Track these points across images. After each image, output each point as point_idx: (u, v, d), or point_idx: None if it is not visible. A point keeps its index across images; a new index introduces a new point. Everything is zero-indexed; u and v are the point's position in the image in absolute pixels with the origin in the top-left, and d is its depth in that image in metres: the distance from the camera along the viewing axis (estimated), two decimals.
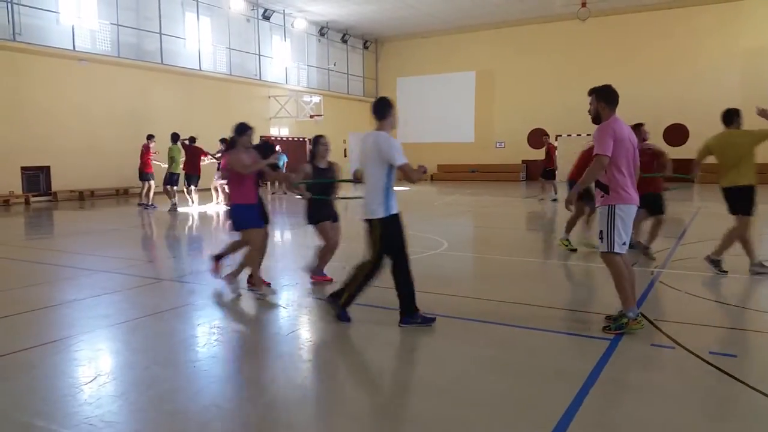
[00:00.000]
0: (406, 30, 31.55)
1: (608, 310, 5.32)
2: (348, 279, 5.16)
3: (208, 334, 4.93)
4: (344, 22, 29.84)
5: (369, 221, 5.00)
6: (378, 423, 3.28)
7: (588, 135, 28.32)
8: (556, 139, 28.78)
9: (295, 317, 5.51)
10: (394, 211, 4.98)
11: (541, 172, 18.76)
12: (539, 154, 29.93)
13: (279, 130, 28.01)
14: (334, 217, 6.79)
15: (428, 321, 4.99)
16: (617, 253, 4.72)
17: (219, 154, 16.58)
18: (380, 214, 4.94)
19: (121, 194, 20.68)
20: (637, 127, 7.64)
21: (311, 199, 6.56)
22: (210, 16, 24.11)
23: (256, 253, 6.16)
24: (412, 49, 33.07)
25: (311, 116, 27.87)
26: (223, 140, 16.89)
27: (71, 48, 18.64)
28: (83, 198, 19.28)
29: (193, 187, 15.78)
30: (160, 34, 21.47)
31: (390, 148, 4.83)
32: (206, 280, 7.00)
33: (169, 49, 21.94)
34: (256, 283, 6.18)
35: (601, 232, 4.78)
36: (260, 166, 6.00)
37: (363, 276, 5.07)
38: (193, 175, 15.75)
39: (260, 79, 26.39)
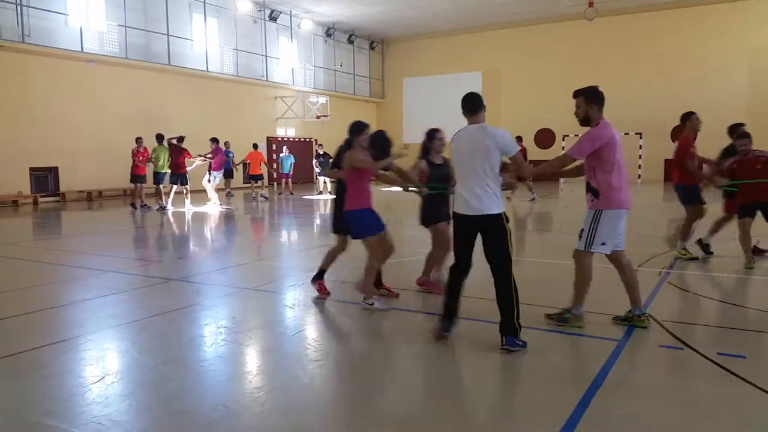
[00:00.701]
0: (413, 30, 31.54)
1: (615, 310, 5.30)
2: (507, 300, 4.47)
3: (215, 334, 4.95)
4: (351, 22, 29.87)
5: (486, 217, 4.44)
6: (383, 423, 3.28)
7: None
8: (563, 139, 28.70)
9: (302, 317, 5.52)
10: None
11: None
12: (547, 155, 29.92)
13: (285, 131, 28.08)
14: (447, 218, 6.07)
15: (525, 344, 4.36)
16: (591, 253, 4.83)
17: (210, 155, 16.64)
18: (501, 208, 4.47)
19: (129, 195, 20.76)
20: (735, 129, 7.67)
21: (427, 199, 6.04)
22: (217, 17, 24.20)
23: (380, 259, 5.67)
24: (419, 49, 33.05)
25: (318, 117, 27.92)
26: (214, 140, 16.96)
27: (79, 49, 18.75)
28: (91, 199, 19.39)
29: (185, 187, 15.73)
30: (168, 35, 21.56)
31: (506, 136, 4.64)
32: (213, 280, 7.03)
33: (176, 51, 22.03)
34: (367, 291, 5.60)
35: (582, 230, 4.86)
36: (385, 164, 5.60)
37: (514, 286, 4.52)
38: (175, 174, 15.75)
39: (267, 80, 26.47)
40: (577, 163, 4.82)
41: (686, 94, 26.36)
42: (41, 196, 18.26)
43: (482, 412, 3.38)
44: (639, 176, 26.97)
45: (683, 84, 26.66)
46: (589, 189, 4.79)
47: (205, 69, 23.24)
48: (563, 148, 28.71)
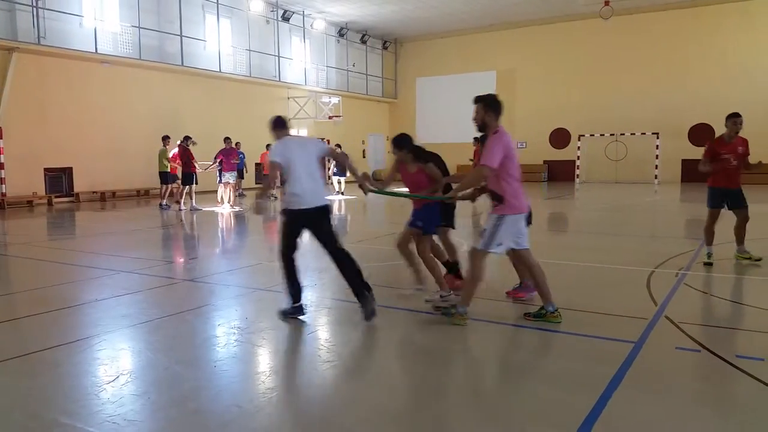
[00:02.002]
0: (426, 30, 31.49)
1: (632, 312, 5.25)
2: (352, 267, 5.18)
3: (227, 334, 4.96)
4: (363, 22, 29.88)
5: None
6: (398, 424, 3.26)
7: (611, 135, 28.14)
8: (579, 139, 28.52)
9: (314, 318, 5.51)
10: None
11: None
12: (561, 155, 29.77)
13: (298, 131, 28.12)
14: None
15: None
16: (487, 253, 5.01)
17: (216, 163, 16.61)
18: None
19: (142, 195, 20.93)
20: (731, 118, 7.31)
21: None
22: (230, 18, 24.31)
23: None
24: (432, 49, 32.98)
25: (330, 117, 27.96)
26: (227, 139, 16.98)
27: (94, 51, 18.91)
28: (105, 199, 19.55)
29: (189, 186, 15.77)
30: (181, 36, 21.68)
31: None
32: (225, 281, 7.04)
33: (189, 51, 22.16)
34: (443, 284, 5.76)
35: (484, 230, 5.02)
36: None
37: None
38: (185, 173, 15.82)
39: (279, 81, 26.54)
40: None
41: (705, 94, 26.10)
42: (55, 197, 18.44)
43: (496, 416, 3.34)
44: (656, 177, 26.73)
45: (702, 84, 26.36)
46: (492, 195, 4.99)
47: (218, 69, 23.34)
48: (579, 148, 28.56)
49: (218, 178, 16.62)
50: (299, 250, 5.27)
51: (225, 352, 4.49)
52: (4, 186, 17.27)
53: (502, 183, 4.86)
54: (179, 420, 3.31)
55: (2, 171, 17.18)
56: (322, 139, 28.60)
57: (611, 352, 4.32)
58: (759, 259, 7.43)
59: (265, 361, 4.42)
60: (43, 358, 4.35)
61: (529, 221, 5.34)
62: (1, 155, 17.10)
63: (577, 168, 28.74)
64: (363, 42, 31.89)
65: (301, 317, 5.24)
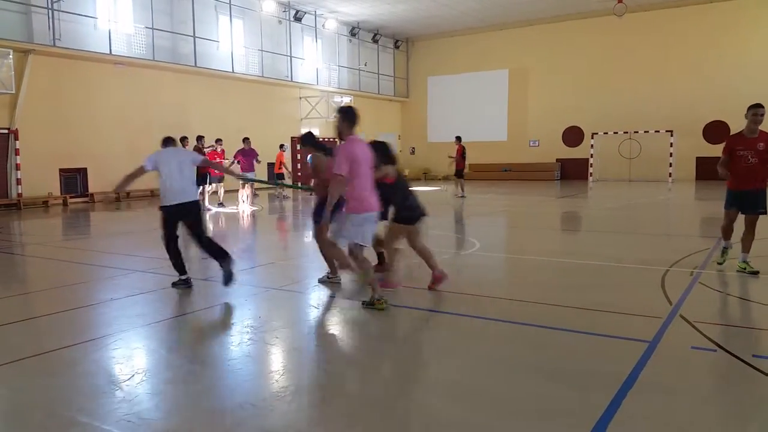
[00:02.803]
0: (438, 29, 31.42)
1: (646, 311, 5.21)
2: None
3: (241, 333, 4.98)
4: (375, 21, 29.88)
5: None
6: (408, 425, 3.26)
7: (625, 133, 27.92)
8: (592, 137, 28.33)
9: (327, 317, 5.53)
10: None
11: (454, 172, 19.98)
12: (575, 153, 29.59)
13: (310, 130, 28.19)
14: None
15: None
16: (339, 249, 5.70)
17: (234, 161, 16.62)
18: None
19: (156, 196, 21.06)
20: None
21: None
22: (242, 18, 24.41)
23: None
24: (444, 47, 32.90)
25: None
26: (245, 140, 17.01)
27: (108, 52, 19.08)
28: (119, 199, 19.72)
29: (202, 186, 15.77)
30: (194, 37, 21.81)
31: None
32: (239, 280, 7.07)
33: (202, 52, 22.28)
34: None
35: (338, 229, 5.59)
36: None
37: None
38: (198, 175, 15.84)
39: (291, 81, 26.61)
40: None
41: (720, 91, 25.80)
42: (70, 197, 18.63)
43: (511, 414, 3.33)
44: (670, 175, 26.49)
45: (717, 81, 26.03)
46: (344, 196, 5.50)
47: (231, 70, 23.45)
48: (592, 146, 28.37)
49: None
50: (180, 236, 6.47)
51: (238, 351, 4.51)
52: (20, 186, 17.48)
53: (348, 186, 5.39)
54: (194, 418, 3.33)
55: (18, 172, 17.40)
56: (334, 139, 28.66)
57: (625, 351, 4.29)
58: (756, 272, 6.69)
59: (278, 360, 4.44)
60: (60, 356, 4.41)
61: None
62: (18, 156, 17.31)
63: (591, 166, 28.56)
64: (375, 41, 31.89)
65: (188, 288, 6.47)
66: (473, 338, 4.76)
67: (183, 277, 6.55)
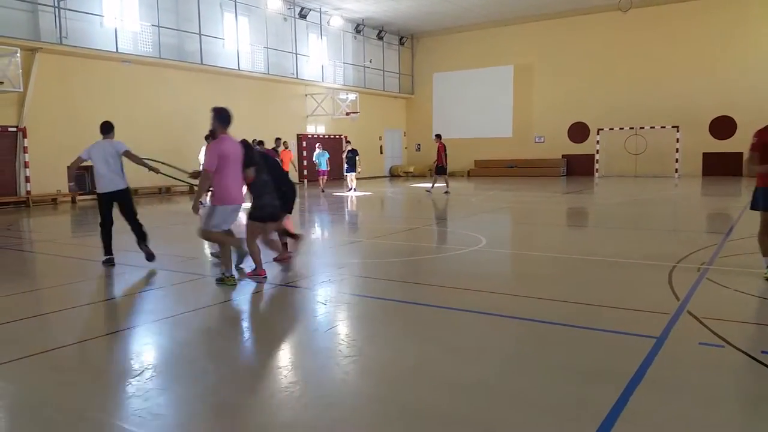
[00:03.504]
0: (443, 25, 31.37)
1: (653, 307, 5.21)
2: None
3: (249, 329, 5.02)
4: (380, 18, 29.86)
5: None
6: (417, 420, 3.27)
7: (631, 128, 27.82)
8: (597, 133, 28.26)
9: (334, 313, 5.55)
10: None
11: (434, 169, 20.28)
12: (580, 149, 29.51)
13: (316, 128, 28.25)
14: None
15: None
16: (211, 231, 6.32)
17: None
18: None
19: (164, 193, 21.16)
20: None
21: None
22: (248, 16, 24.44)
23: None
24: (449, 44, 32.85)
25: (347, 114, 28.00)
26: (277, 140, 17.05)
27: (114, 50, 19.14)
28: None
29: None
30: (200, 35, 21.86)
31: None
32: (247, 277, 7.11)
33: (208, 50, 22.33)
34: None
35: (207, 217, 6.30)
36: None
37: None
38: None
39: (297, 78, 26.63)
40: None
41: (726, 86, 25.69)
42: (79, 195, 18.71)
43: (517, 410, 3.35)
44: (676, 170, 26.40)
45: (723, 76, 25.91)
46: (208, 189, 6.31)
47: (237, 68, 23.49)
48: (598, 142, 28.30)
49: None
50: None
51: (247, 347, 4.55)
52: (29, 184, 17.59)
53: (215, 181, 6.07)
54: (204, 414, 3.36)
55: (27, 169, 17.50)
56: (339, 136, 28.71)
57: (633, 348, 4.30)
58: None
59: (286, 356, 4.47)
60: (71, 352, 4.44)
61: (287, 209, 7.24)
62: (26, 154, 17.41)
63: (597, 162, 28.48)
64: (380, 38, 31.87)
65: (111, 265, 7.58)
66: (478, 334, 4.77)
67: (108, 256, 7.69)
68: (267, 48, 25.06)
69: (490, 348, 4.42)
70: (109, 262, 7.65)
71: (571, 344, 4.48)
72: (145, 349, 4.61)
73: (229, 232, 6.62)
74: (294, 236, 7.78)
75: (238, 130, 19.59)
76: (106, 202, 7.62)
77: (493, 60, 31.27)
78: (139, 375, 3.93)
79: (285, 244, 7.73)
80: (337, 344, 4.64)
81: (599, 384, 3.66)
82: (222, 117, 6.22)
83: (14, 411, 3.51)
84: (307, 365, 4.21)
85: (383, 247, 9.42)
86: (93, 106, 18.85)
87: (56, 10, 17.74)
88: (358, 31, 30.53)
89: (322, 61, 28.24)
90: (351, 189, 20.61)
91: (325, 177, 21.57)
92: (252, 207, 6.85)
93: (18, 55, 16.52)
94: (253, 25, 24.74)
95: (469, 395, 3.56)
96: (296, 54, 26.63)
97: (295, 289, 6.50)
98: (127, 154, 7.87)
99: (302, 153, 26.62)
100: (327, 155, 21.40)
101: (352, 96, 28.46)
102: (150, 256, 7.71)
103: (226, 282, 6.28)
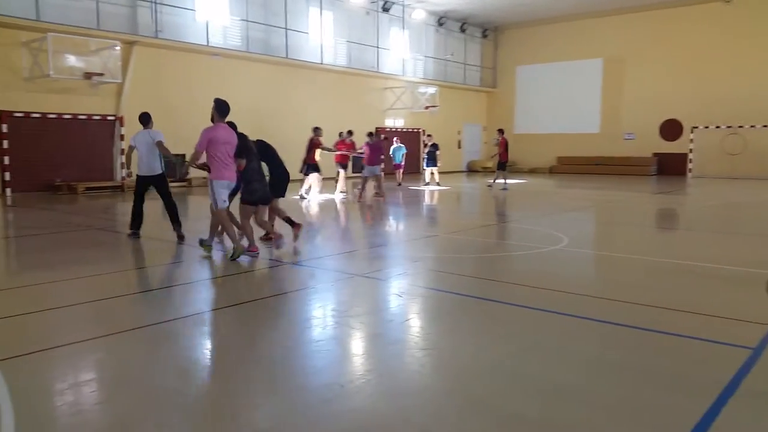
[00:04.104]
0: (529, 16, 30.57)
1: (749, 317, 4.89)
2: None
3: (327, 316, 5.12)
4: (464, 10, 29.49)
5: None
6: (495, 418, 3.23)
7: (728, 127, 26.15)
8: (692, 131, 26.75)
9: (409, 306, 5.57)
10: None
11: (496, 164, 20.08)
12: (673, 147, 28.04)
13: (394, 122, 28.34)
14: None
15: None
16: (221, 209, 7.36)
17: (360, 150, 16.88)
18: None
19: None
20: None
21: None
22: (332, 10, 24.82)
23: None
24: (534, 36, 31.99)
25: (426, 107, 27.91)
26: (369, 134, 17.24)
27: (205, 43, 19.97)
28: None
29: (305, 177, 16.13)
30: (286, 29, 22.42)
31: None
32: (325, 265, 7.26)
33: (293, 44, 22.87)
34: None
35: (212, 195, 7.35)
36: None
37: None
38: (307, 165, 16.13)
39: (377, 71, 26.80)
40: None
41: None
42: (170, 182, 19.63)
43: (597, 414, 3.23)
44: None
45: None
46: (205, 167, 7.26)
47: (319, 61, 23.93)
48: (692, 140, 26.81)
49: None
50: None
51: (325, 334, 4.64)
52: (124, 170, 18.68)
53: (209, 160, 7.20)
54: (285, 394, 3.47)
55: (122, 156, 18.60)
56: (418, 129, 28.66)
57: (726, 357, 4.05)
58: None
59: (362, 344, 4.53)
60: (160, 330, 4.70)
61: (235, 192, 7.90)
62: (122, 141, 18.50)
63: (690, 162, 26.97)
64: (462, 30, 31.51)
65: (136, 237, 8.87)
66: (558, 335, 4.64)
67: (135, 231, 8.94)
68: (349, 41, 25.36)
69: (570, 350, 4.29)
70: (135, 236, 8.89)
71: (657, 350, 4.28)
72: (230, 330, 4.81)
73: (233, 219, 7.86)
74: (294, 224, 8.52)
75: (318, 122, 19.91)
76: (142, 183, 9.02)
77: (581, 53, 30.16)
78: (223, 355, 4.10)
79: (272, 224, 8.62)
80: (412, 336, 4.66)
81: (687, 393, 3.48)
82: (221, 108, 7.36)
83: (111, 381, 3.75)
84: (382, 355, 4.24)
85: (460, 242, 9.35)
86: (185, 98, 19.78)
87: (153, 5, 18.72)
88: (440, 24, 30.31)
89: (403, 55, 28.26)
90: (429, 183, 20.53)
91: (402, 171, 21.60)
92: (243, 192, 7.71)
93: (117, 48, 17.59)
94: (336, 18, 25.10)
95: (546, 396, 3.48)
96: (378, 47, 26.80)
97: (372, 280, 6.56)
98: (159, 144, 9.08)
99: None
100: (404, 149, 21.40)
101: (431, 89, 28.33)
102: (181, 238, 8.64)
103: (235, 252, 7.17)
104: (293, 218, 8.70)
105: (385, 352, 4.28)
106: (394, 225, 11.96)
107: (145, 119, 9.03)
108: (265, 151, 8.43)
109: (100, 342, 4.37)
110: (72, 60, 17.12)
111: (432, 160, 20.34)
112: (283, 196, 8.86)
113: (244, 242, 7.56)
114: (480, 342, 4.50)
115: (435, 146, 20.34)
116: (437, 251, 8.59)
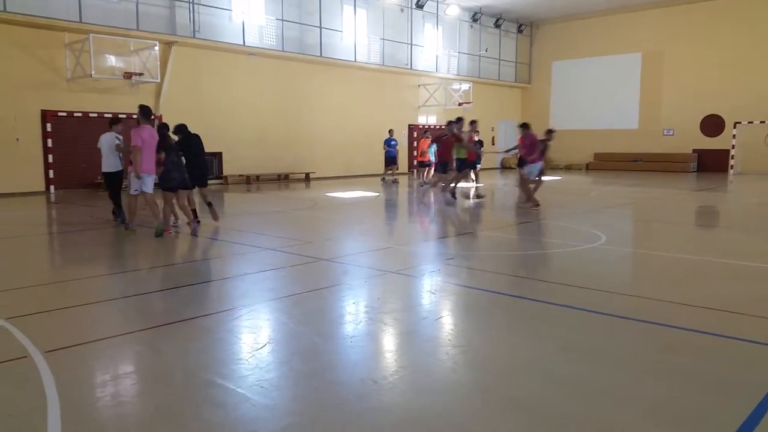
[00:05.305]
0: (565, 11, 30.08)
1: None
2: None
3: (361, 312, 5.15)
4: (499, 6, 29.17)
5: None
6: (530, 417, 3.20)
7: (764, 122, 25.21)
8: (734, 127, 25.95)
9: (442, 303, 5.56)
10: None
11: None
12: (714, 143, 27.27)
13: (427, 119, 28.24)
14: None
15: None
16: (145, 193, 9.02)
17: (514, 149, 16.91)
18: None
19: (283, 179, 22.15)
20: None
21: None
22: (366, 8, 24.85)
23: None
24: (571, 31, 31.46)
25: (459, 104, 27.72)
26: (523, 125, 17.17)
27: (241, 43, 20.24)
28: (249, 182, 20.93)
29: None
30: (320, 27, 22.55)
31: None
32: (358, 262, 7.29)
33: (327, 42, 22.99)
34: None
35: (134, 182, 9.03)
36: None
37: None
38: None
39: (411, 69, 26.74)
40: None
41: None
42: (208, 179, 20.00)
43: (635, 415, 3.18)
44: None
45: None
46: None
47: (353, 59, 24.00)
48: (734, 136, 26.03)
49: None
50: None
51: (358, 329, 4.67)
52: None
53: (138, 156, 8.65)
54: (319, 389, 3.50)
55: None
56: (442, 125, 28.42)
57: None
58: None
59: (395, 340, 4.54)
60: (199, 324, 4.79)
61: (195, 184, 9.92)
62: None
63: (732, 158, 26.19)
64: (497, 26, 31.19)
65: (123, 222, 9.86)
66: (595, 334, 4.57)
67: (116, 218, 10.44)
68: (383, 39, 25.36)
69: (608, 349, 4.22)
70: (127, 226, 9.61)
71: (699, 351, 4.18)
72: (266, 324, 4.88)
73: (158, 203, 9.25)
74: (194, 214, 9.66)
75: (350, 119, 20.18)
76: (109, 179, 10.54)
77: (619, 47, 29.54)
78: (261, 348, 4.17)
79: (194, 210, 9.72)
80: (446, 333, 4.65)
81: (731, 394, 3.40)
82: (144, 112, 8.89)
83: (150, 374, 3.85)
84: (416, 352, 4.25)
85: (495, 239, 9.29)
86: (222, 97, 20.10)
87: (191, 5, 19.05)
88: (474, 20, 30.05)
89: (437, 51, 28.12)
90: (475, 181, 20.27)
91: (432, 168, 21.41)
92: (162, 180, 9.12)
93: (156, 48, 17.96)
94: (370, 16, 25.12)
95: (582, 395, 3.43)
96: (411, 45, 26.74)
97: (405, 276, 6.56)
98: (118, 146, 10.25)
99: (412, 143, 26.72)
100: (435, 146, 21.22)
101: (465, 86, 28.11)
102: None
103: (158, 228, 8.82)
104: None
105: (419, 349, 4.28)
106: (427, 223, 11.92)
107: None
108: (188, 144, 9.97)
109: (139, 335, 4.49)
110: (112, 60, 17.57)
111: (478, 157, 19.86)
112: (205, 186, 10.41)
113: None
114: (515, 341, 4.46)
115: (480, 143, 19.67)
116: (472, 248, 8.55)
